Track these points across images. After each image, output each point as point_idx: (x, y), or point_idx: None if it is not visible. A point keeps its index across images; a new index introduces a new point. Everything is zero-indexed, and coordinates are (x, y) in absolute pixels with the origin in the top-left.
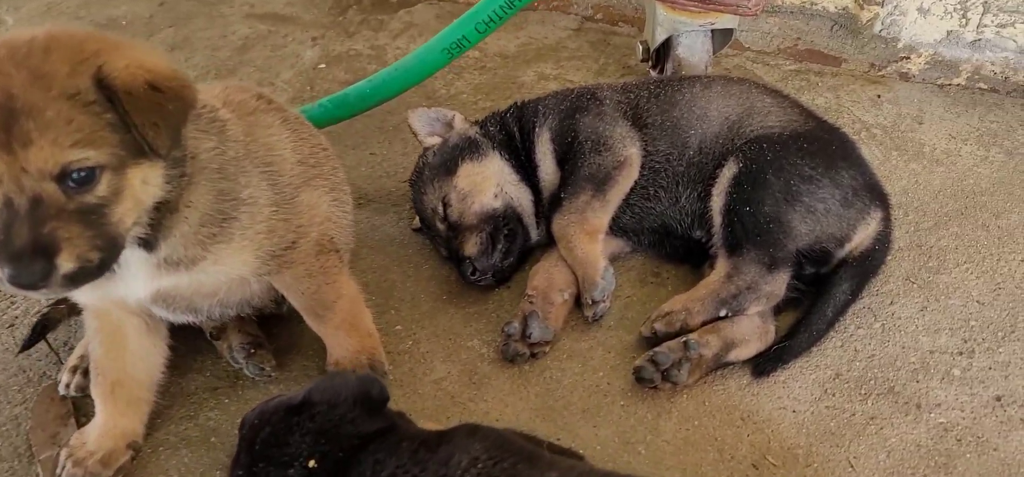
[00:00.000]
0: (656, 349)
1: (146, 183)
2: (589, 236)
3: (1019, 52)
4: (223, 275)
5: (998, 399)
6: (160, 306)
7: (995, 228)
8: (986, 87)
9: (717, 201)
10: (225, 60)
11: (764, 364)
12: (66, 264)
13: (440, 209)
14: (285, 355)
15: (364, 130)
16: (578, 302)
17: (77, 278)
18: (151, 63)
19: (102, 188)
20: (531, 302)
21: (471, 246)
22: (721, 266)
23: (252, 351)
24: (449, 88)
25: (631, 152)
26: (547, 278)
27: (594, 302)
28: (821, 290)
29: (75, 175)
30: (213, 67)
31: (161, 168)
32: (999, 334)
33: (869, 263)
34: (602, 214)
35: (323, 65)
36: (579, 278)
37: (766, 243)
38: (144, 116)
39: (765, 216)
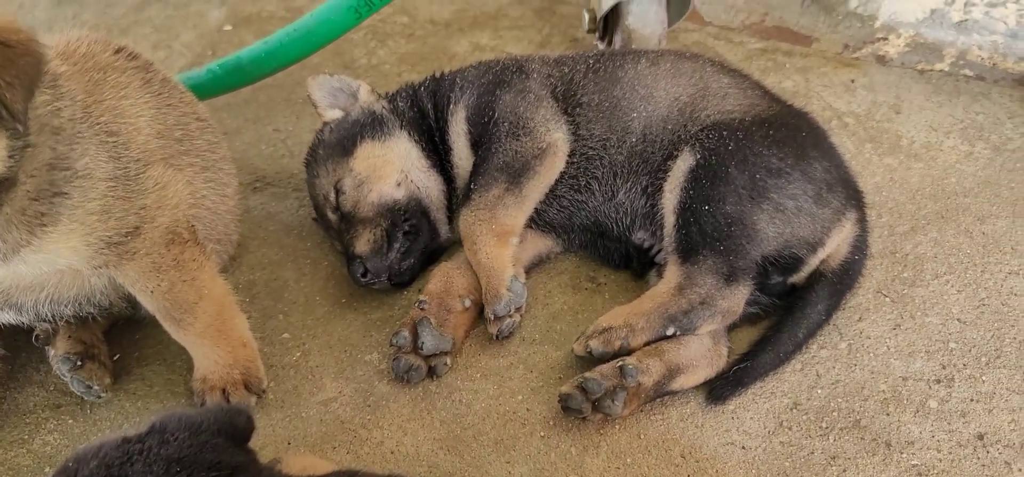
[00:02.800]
0: (587, 375)
1: None
2: (498, 238)
3: (1009, 36)
4: (46, 265)
5: (980, 438)
6: None
7: (979, 234)
8: (972, 74)
9: (669, 198)
10: (118, 19)
11: (721, 389)
12: None
13: (332, 196)
14: (147, 367)
15: (269, 102)
16: (482, 313)
17: None
18: None
19: None
20: (422, 308)
21: (364, 242)
22: (672, 275)
23: (79, 363)
24: (371, 57)
25: (555, 138)
26: (445, 281)
27: (497, 317)
28: (792, 305)
29: None
30: (103, 24)
31: (5, 138)
32: (982, 359)
33: (847, 279)
34: (516, 212)
35: (229, 27)
36: (482, 287)
37: (726, 249)
38: None
39: (726, 216)
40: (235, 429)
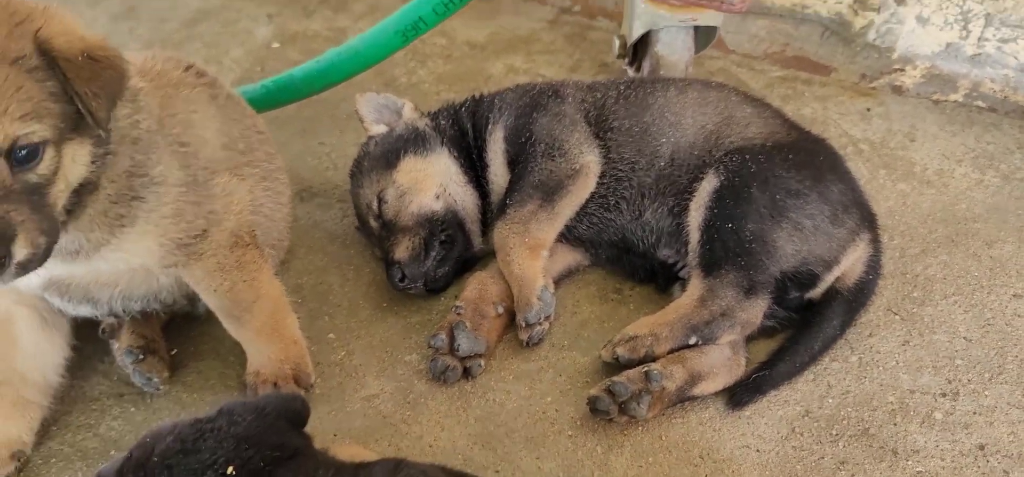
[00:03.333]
0: (614, 379)
1: (75, 162)
2: (530, 251)
3: (1020, 70)
4: (123, 263)
5: (981, 448)
6: (54, 294)
7: (987, 258)
8: (984, 105)
9: (695, 216)
10: (171, 33)
11: (740, 394)
12: (21, 250)
13: (375, 205)
14: (202, 362)
15: (314, 116)
16: (514, 320)
17: (28, 266)
18: (82, 31)
19: (44, 166)
20: (458, 313)
21: (403, 250)
22: (695, 287)
23: (141, 357)
24: (411, 76)
25: (588, 160)
26: (480, 289)
27: (528, 324)
28: (809, 320)
29: (22, 151)
30: (158, 40)
31: (89, 145)
32: (986, 375)
33: (861, 295)
34: (548, 227)
35: (276, 44)
36: (514, 296)
37: (747, 265)
38: (86, 86)
39: (748, 234)
40: (294, 413)
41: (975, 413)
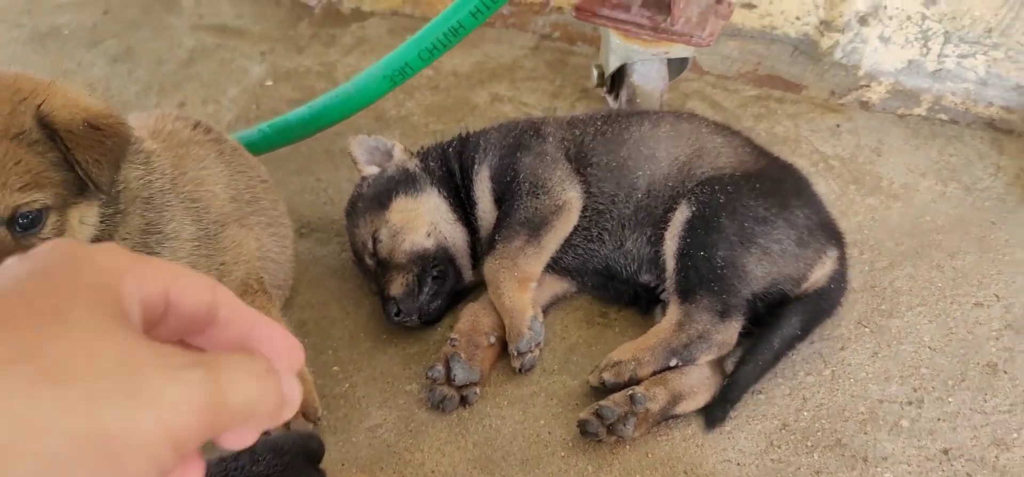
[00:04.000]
0: (602, 403)
1: (83, 223)
2: (520, 283)
3: (979, 83)
4: None
5: (945, 452)
6: None
7: (949, 269)
8: (946, 118)
9: (670, 245)
10: (170, 74)
11: (714, 414)
12: None
13: (370, 244)
14: None
15: (309, 154)
16: (507, 348)
17: None
18: (85, 102)
19: (47, 230)
20: (453, 344)
21: (397, 286)
22: (672, 313)
23: None
24: (400, 109)
25: (570, 196)
26: (473, 321)
27: (519, 353)
28: (768, 323)
29: (23, 218)
30: (156, 82)
31: (97, 206)
32: (949, 382)
33: (823, 302)
34: (535, 261)
35: (270, 82)
36: (506, 327)
37: (720, 290)
38: (86, 154)
39: (720, 261)
40: (310, 451)
41: (939, 419)
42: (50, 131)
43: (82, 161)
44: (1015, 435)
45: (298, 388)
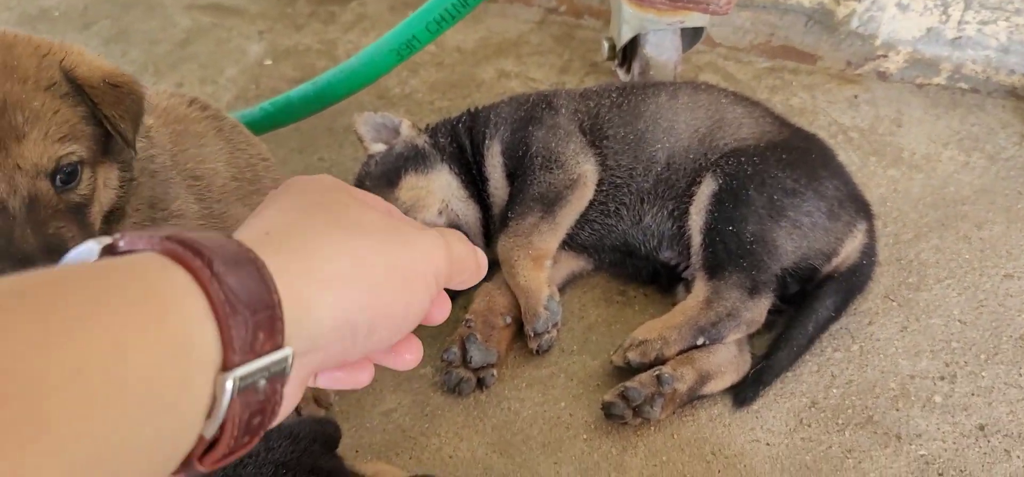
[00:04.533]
0: (627, 384)
1: (106, 185)
2: (534, 261)
3: (1001, 50)
4: None
5: (981, 428)
6: None
7: (977, 240)
8: (967, 87)
9: (696, 220)
10: (165, 55)
11: (744, 393)
12: None
13: None
14: None
15: (312, 132)
16: (523, 329)
17: None
18: (99, 61)
19: (83, 186)
20: (468, 326)
21: None
22: (700, 290)
23: None
24: (404, 86)
25: (585, 169)
26: (488, 301)
27: (536, 334)
28: (801, 305)
29: (64, 171)
30: (151, 63)
31: (117, 169)
32: (982, 356)
33: (855, 279)
34: (550, 238)
35: (269, 61)
36: (521, 307)
37: (749, 265)
38: (112, 109)
39: (749, 235)
40: (327, 437)
41: (973, 394)
42: (76, 86)
43: (110, 116)
44: None
45: (485, 259)
